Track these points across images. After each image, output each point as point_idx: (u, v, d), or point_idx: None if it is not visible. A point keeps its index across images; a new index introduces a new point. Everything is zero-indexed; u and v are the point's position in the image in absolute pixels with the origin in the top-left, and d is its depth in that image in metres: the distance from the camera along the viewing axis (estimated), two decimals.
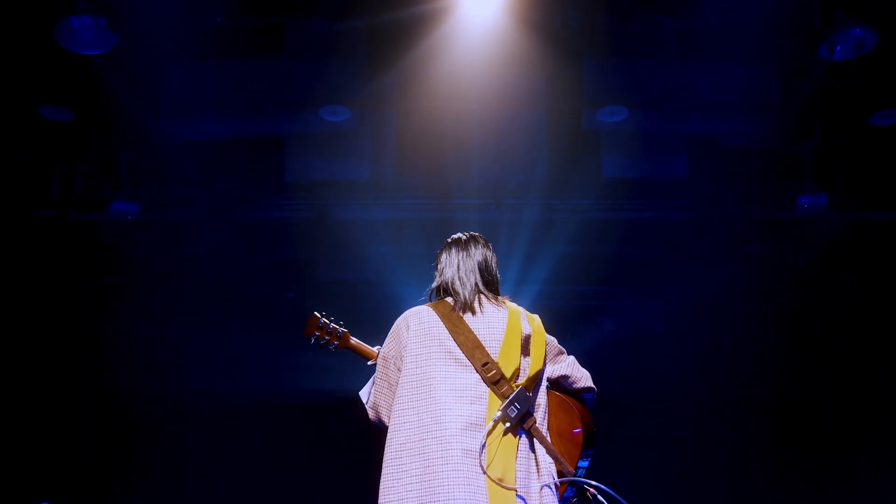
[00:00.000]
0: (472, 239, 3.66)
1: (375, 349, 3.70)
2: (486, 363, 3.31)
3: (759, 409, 10.02)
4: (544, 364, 3.46)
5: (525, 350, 3.40)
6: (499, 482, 3.13)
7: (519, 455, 3.22)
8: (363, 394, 3.59)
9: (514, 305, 3.53)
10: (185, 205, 8.43)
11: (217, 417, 9.70)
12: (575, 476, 3.30)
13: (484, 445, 3.18)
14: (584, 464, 3.41)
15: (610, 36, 7.02)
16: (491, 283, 3.58)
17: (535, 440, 3.29)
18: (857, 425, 9.74)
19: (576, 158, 8.01)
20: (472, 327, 3.38)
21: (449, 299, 3.52)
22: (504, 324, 3.41)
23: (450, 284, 3.54)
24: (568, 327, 9.24)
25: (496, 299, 3.53)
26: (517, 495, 3.14)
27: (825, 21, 6.22)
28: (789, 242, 8.78)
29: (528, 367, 3.37)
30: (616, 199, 8.40)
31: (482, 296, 3.51)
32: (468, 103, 7.54)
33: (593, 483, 3.26)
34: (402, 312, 3.54)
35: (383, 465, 3.24)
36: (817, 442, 9.94)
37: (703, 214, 8.56)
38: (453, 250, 3.63)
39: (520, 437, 3.26)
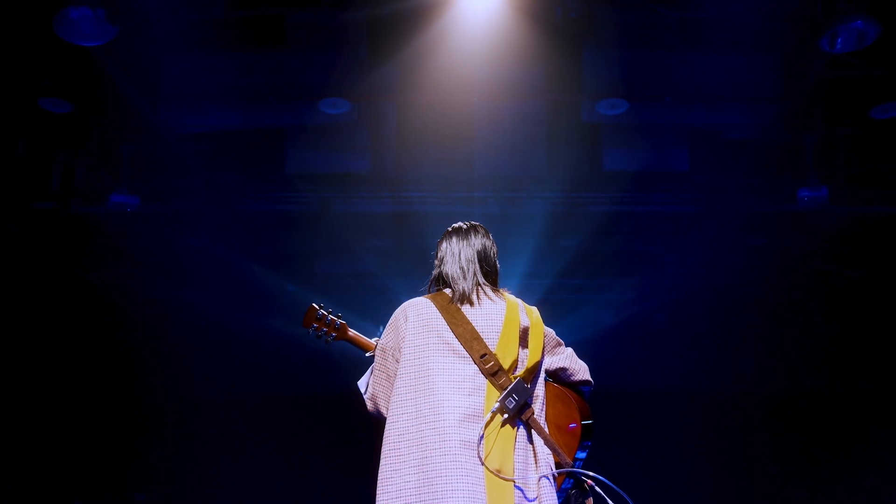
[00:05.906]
0: (473, 228, 3.64)
1: (374, 341, 3.69)
2: (485, 354, 3.30)
3: (760, 401, 10.03)
4: (542, 356, 3.45)
5: (523, 342, 3.39)
6: (497, 473, 3.13)
7: (517, 446, 3.22)
8: (361, 383, 3.58)
9: (512, 297, 3.52)
10: (186, 196, 8.42)
11: (216, 409, 9.71)
12: (573, 467, 3.30)
13: (482, 436, 3.17)
14: (582, 455, 3.41)
15: (610, 27, 7.01)
16: (490, 274, 3.56)
17: (533, 431, 3.28)
18: (859, 419, 9.74)
19: (576, 151, 8.00)
20: (470, 319, 3.37)
21: (447, 290, 3.50)
22: (502, 315, 3.40)
23: (449, 274, 3.52)
24: (567, 319, 9.25)
25: (495, 291, 3.52)
26: (515, 486, 3.14)
27: (827, 12, 6.19)
28: (790, 235, 8.78)
29: (527, 359, 3.37)
30: (617, 193, 8.39)
31: (480, 287, 3.49)
32: (468, 95, 7.53)
33: (591, 474, 3.26)
34: (400, 304, 3.53)
35: (381, 456, 3.24)
36: (819, 434, 9.95)
37: (704, 207, 8.56)
38: (454, 239, 3.61)
39: (518, 428, 3.25)
